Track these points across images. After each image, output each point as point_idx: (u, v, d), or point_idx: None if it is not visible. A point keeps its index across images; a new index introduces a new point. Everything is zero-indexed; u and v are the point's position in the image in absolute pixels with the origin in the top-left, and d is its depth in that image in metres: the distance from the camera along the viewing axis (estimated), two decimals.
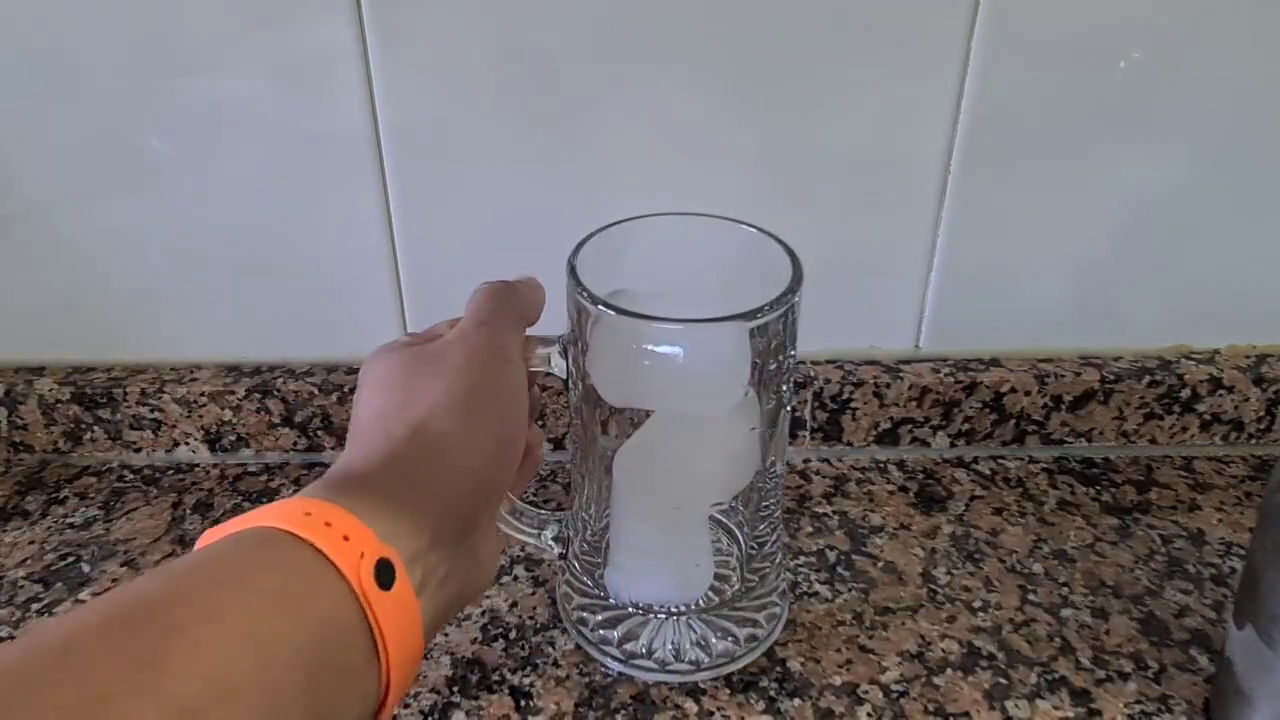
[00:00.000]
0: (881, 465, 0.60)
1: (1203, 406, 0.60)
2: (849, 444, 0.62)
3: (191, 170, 0.56)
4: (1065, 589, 0.50)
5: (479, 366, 0.36)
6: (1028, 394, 0.59)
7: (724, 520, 0.47)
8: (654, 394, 0.40)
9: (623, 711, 0.44)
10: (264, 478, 0.61)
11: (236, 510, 0.58)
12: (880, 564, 0.52)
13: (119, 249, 0.59)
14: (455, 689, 0.45)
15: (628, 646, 0.45)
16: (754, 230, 0.42)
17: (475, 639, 0.48)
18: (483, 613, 0.49)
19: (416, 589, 0.30)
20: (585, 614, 0.47)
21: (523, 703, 0.44)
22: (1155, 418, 0.60)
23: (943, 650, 0.47)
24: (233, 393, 0.60)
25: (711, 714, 0.44)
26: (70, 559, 0.54)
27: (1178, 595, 0.50)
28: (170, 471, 0.62)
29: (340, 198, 0.56)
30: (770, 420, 0.42)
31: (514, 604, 0.50)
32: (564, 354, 0.41)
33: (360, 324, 0.61)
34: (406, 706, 0.44)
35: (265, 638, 0.25)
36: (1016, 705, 0.44)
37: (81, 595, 0.51)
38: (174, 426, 0.62)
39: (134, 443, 0.62)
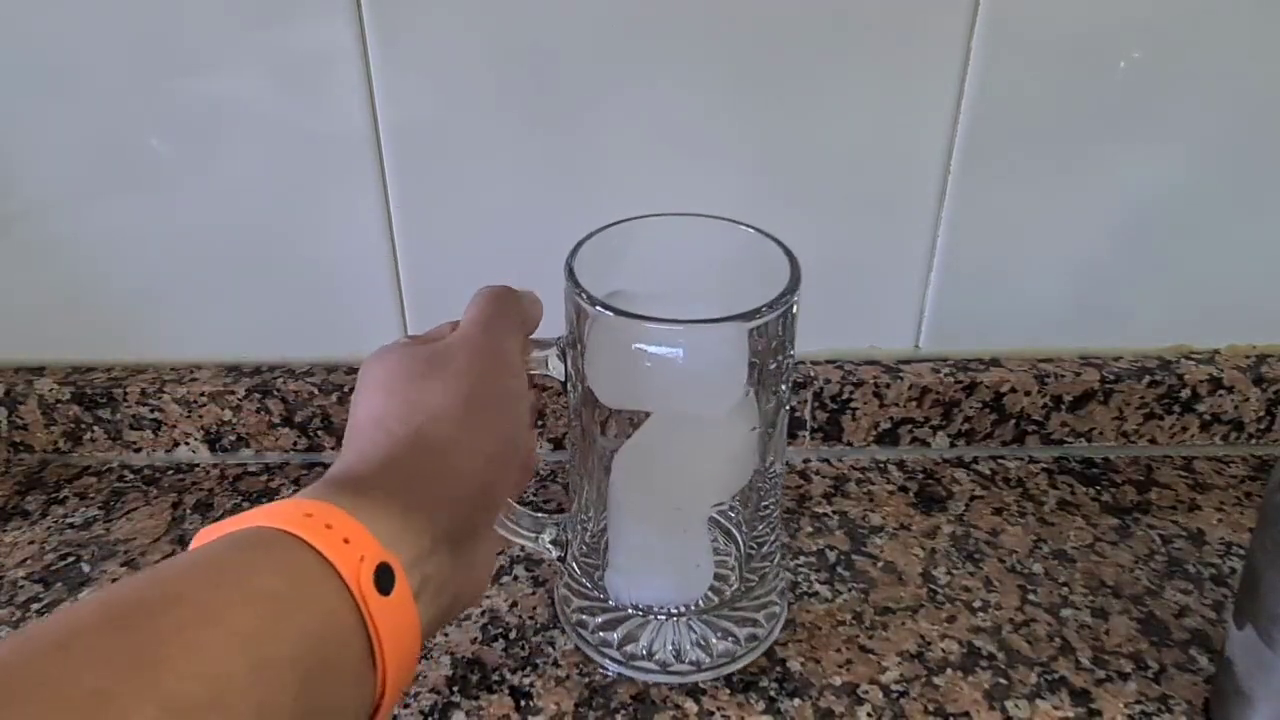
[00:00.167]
0: (881, 465, 0.60)
1: (1203, 406, 0.60)
2: (849, 444, 0.62)
3: (191, 170, 0.56)
4: (1065, 589, 0.50)
5: (481, 370, 0.36)
6: (1028, 394, 0.59)
7: (722, 520, 0.47)
8: (653, 395, 0.40)
9: (623, 711, 0.44)
10: (264, 478, 0.61)
11: (236, 510, 0.57)
12: (880, 564, 0.52)
13: (119, 249, 0.59)
14: (455, 689, 0.45)
15: (628, 648, 0.45)
16: (752, 231, 0.42)
17: (475, 639, 0.48)
18: (483, 613, 0.49)
19: (415, 594, 0.30)
20: (585, 616, 0.47)
21: (523, 703, 0.44)
22: (1155, 418, 0.60)
23: (943, 650, 0.47)
24: (233, 393, 0.60)
25: (711, 714, 0.44)
26: (70, 559, 0.54)
27: (1178, 595, 0.50)
28: (170, 471, 0.62)
29: (340, 198, 0.56)
30: (769, 420, 0.42)
31: (514, 604, 0.50)
32: (562, 356, 0.41)
33: (360, 324, 0.61)
34: (406, 706, 0.44)
35: (262, 640, 0.25)
36: (1016, 705, 0.44)
37: (81, 595, 0.51)
38: (174, 426, 0.62)
39: (134, 443, 0.62)
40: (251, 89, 0.54)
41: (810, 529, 0.55)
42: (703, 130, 0.55)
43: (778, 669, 0.46)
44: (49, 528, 0.57)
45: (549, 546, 0.46)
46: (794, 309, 0.39)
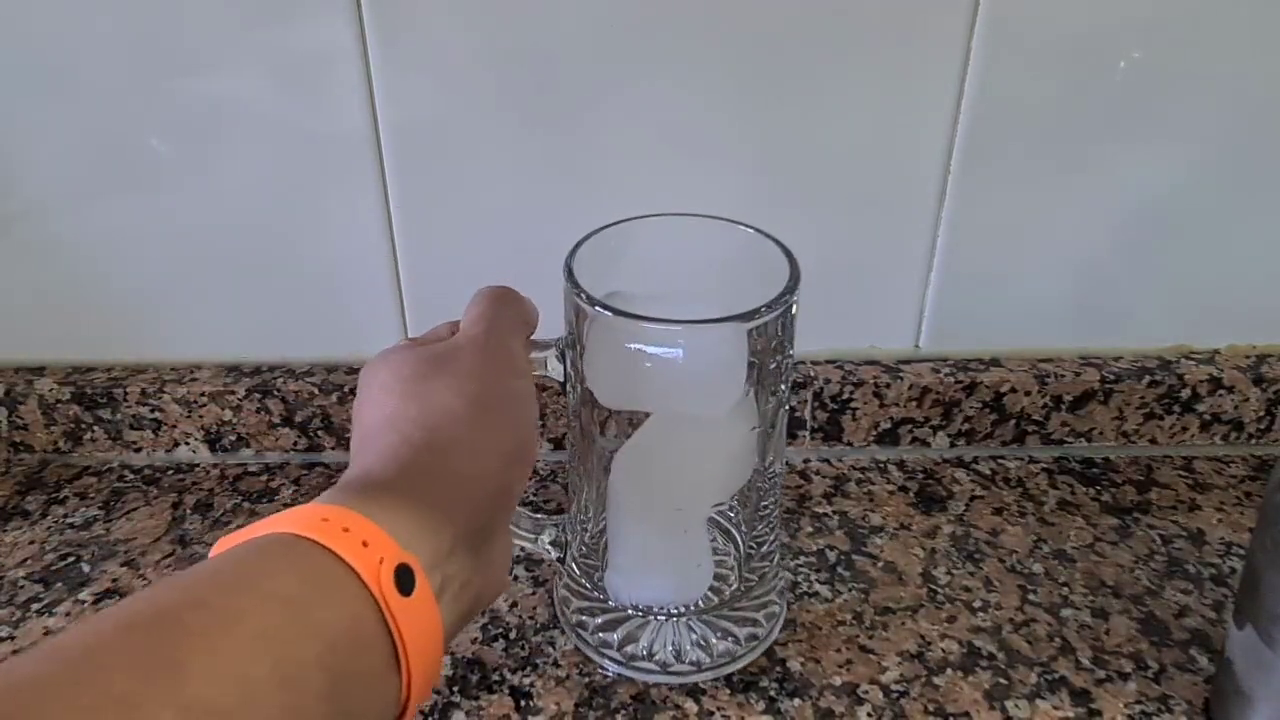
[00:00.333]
0: (881, 465, 0.60)
1: (1203, 406, 0.60)
2: (849, 444, 0.62)
3: (191, 170, 0.56)
4: (1065, 589, 0.50)
5: (489, 371, 0.36)
6: (1028, 394, 0.59)
7: (722, 520, 0.47)
8: (652, 395, 0.40)
9: (623, 711, 0.44)
10: (264, 478, 0.61)
11: (236, 510, 0.58)
12: (880, 564, 0.52)
13: (119, 249, 0.59)
14: (455, 689, 0.45)
15: (628, 649, 0.45)
16: (751, 231, 0.42)
17: (475, 639, 0.48)
18: (483, 613, 0.49)
19: (436, 594, 0.30)
20: (584, 617, 0.47)
21: (523, 703, 0.44)
22: (1155, 418, 0.60)
23: (943, 650, 0.47)
24: (233, 393, 0.60)
25: (711, 714, 0.44)
26: (70, 559, 0.54)
27: (1178, 595, 0.50)
28: (170, 471, 0.62)
29: (340, 198, 0.56)
30: (769, 420, 0.42)
31: (514, 604, 0.50)
32: (561, 357, 0.41)
33: (360, 324, 0.61)
34: None
35: (284, 643, 0.25)
36: (1016, 705, 0.44)
37: (81, 595, 0.51)
38: (174, 426, 0.62)
39: (134, 443, 0.62)
40: (251, 89, 0.54)
41: (810, 529, 0.55)
42: (703, 130, 0.55)
43: (778, 669, 0.46)
44: (49, 528, 0.57)
45: (548, 547, 0.46)
46: (793, 309, 0.39)
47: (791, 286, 0.39)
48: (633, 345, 0.38)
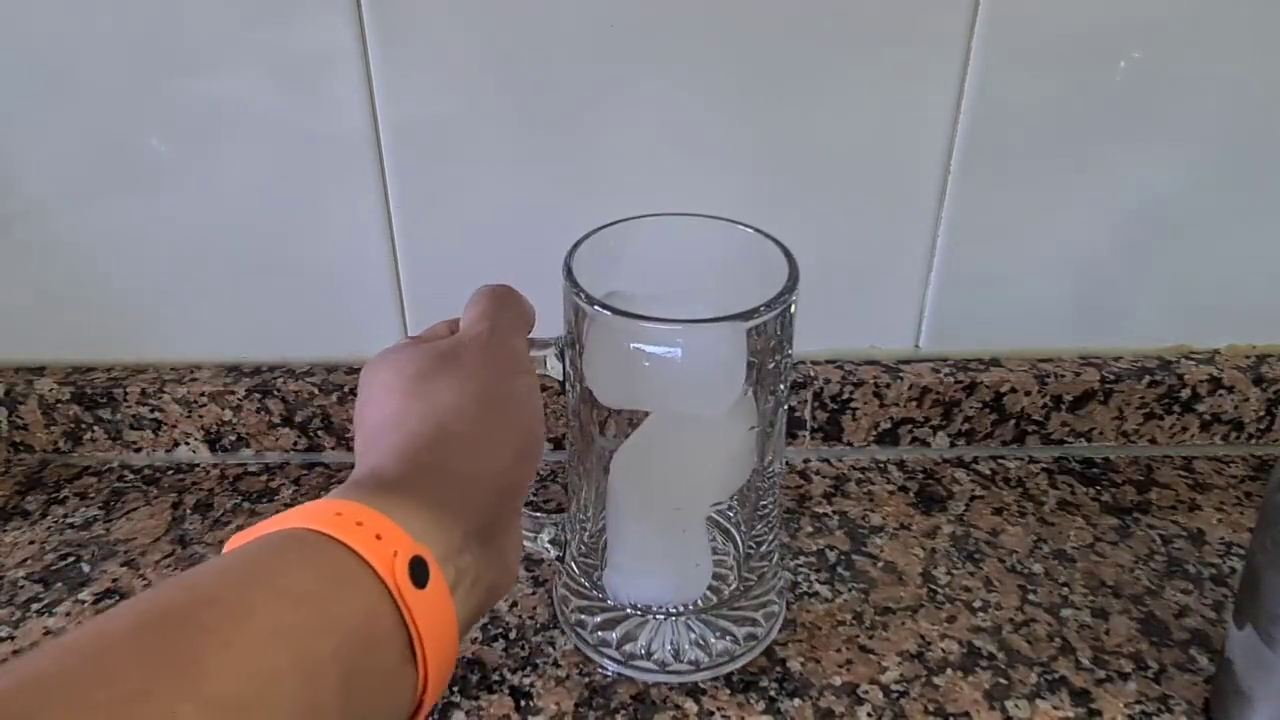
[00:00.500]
0: (881, 465, 0.60)
1: (1203, 406, 0.60)
2: (849, 444, 0.62)
3: (191, 170, 0.56)
4: (1065, 589, 0.50)
5: (493, 367, 0.36)
6: (1028, 394, 0.59)
7: (721, 520, 0.47)
8: (651, 395, 0.40)
9: (623, 711, 0.44)
10: (264, 478, 0.61)
11: (236, 510, 0.58)
12: (880, 564, 0.52)
13: (119, 249, 0.59)
14: (455, 689, 0.45)
15: (627, 648, 0.45)
16: (750, 230, 0.42)
17: (475, 639, 0.48)
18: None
19: (450, 588, 0.30)
20: (583, 616, 0.47)
21: (523, 703, 0.44)
22: (1155, 418, 0.60)
23: (943, 650, 0.47)
24: (233, 393, 0.60)
25: (711, 714, 0.44)
26: (70, 559, 0.54)
27: (1178, 595, 0.50)
28: (170, 471, 0.62)
29: (340, 198, 0.57)
30: (768, 419, 0.42)
31: (514, 604, 0.50)
32: (560, 356, 0.41)
33: (360, 324, 0.61)
34: None
35: (299, 636, 0.25)
36: (1016, 705, 0.44)
37: (81, 595, 0.51)
38: (174, 426, 0.62)
39: (134, 443, 0.62)
40: (251, 89, 0.54)
41: (810, 529, 0.55)
42: (703, 130, 0.55)
43: (778, 669, 0.46)
44: (49, 528, 0.57)
45: (548, 546, 0.46)
46: (792, 308, 0.39)
47: (790, 286, 0.39)
48: (632, 345, 0.38)
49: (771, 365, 0.40)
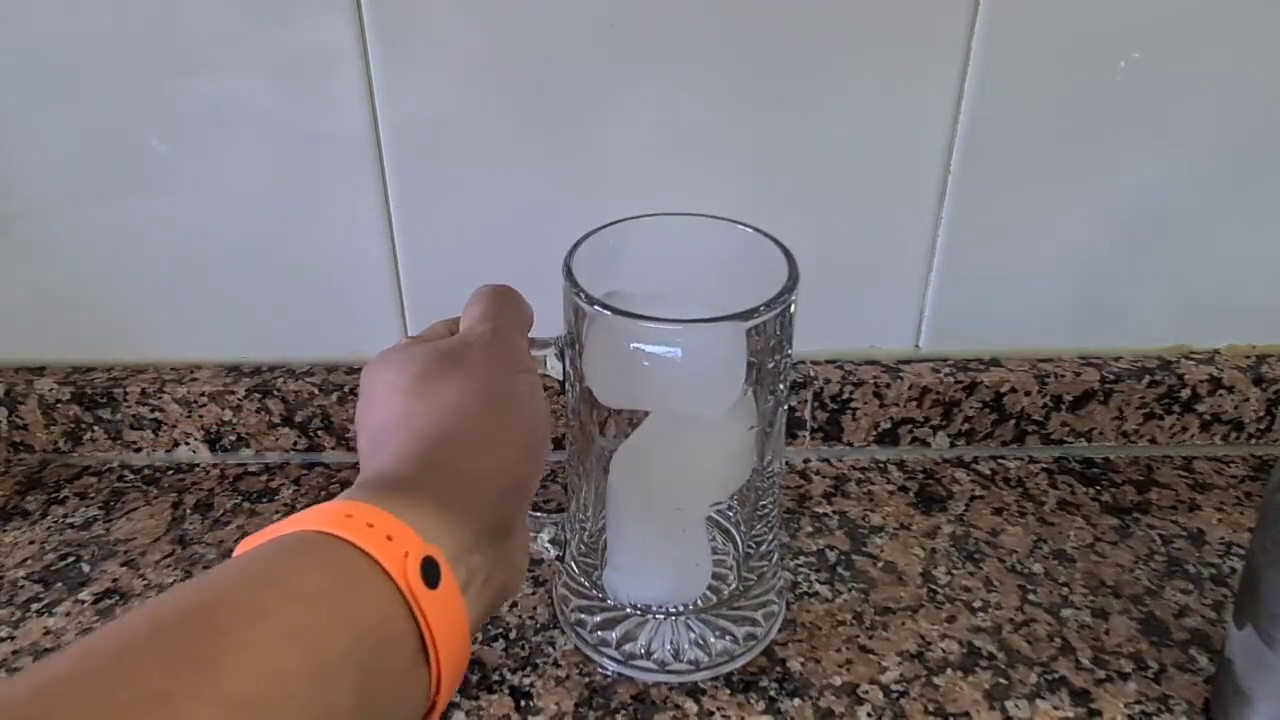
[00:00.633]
0: (881, 465, 0.60)
1: (1203, 406, 0.60)
2: (849, 444, 0.62)
3: (191, 170, 0.56)
4: (1065, 589, 0.50)
5: (496, 366, 0.36)
6: (1028, 394, 0.59)
7: (721, 519, 0.47)
8: (651, 394, 0.40)
9: (623, 711, 0.44)
10: (264, 478, 0.61)
11: (236, 510, 0.58)
12: (880, 564, 0.52)
13: (119, 249, 0.59)
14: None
15: (626, 647, 0.45)
16: (750, 230, 0.42)
17: (475, 639, 0.48)
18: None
19: (461, 588, 0.30)
20: (583, 615, 0.47)
21: (523, 703, 0.44)
22: (1155, 418, 0.60)
23: (943, 650, 0.47)
24: (233, 393, 0.60)
25: (711, 714, 0.44)
26: (70, 559, 0.54)
27: (1178, 595, 0.50)
28: (170, 471, 0.62)
29: (340, 198, 0.57)
30: (767, 419, 0.42)
31: (514, 604, 0.50)
32: (560, 356, 0.41)
33: (360, 324, 0.61)
34: None
35: (313, 637, 0.25)
36: (1016, 705, 0.44)
37: (81, 595, 0.52)
38: (174, 426, 0.62)
39: (134, 443, 0.62)
40: (251, 89, 0.54)
41: (810, 529, 0.55)
42: (703, 130, 0.55)
43: (778, 669, 0.46)
44: (49, 528, 0.57)
45: (547, 546, 0.46)
46: (791, 308, 0.39)
47: (790, 286, 0.39)
48: (632, 344, 0.38)
49: (771, 365, 0.40)
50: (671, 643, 0.45)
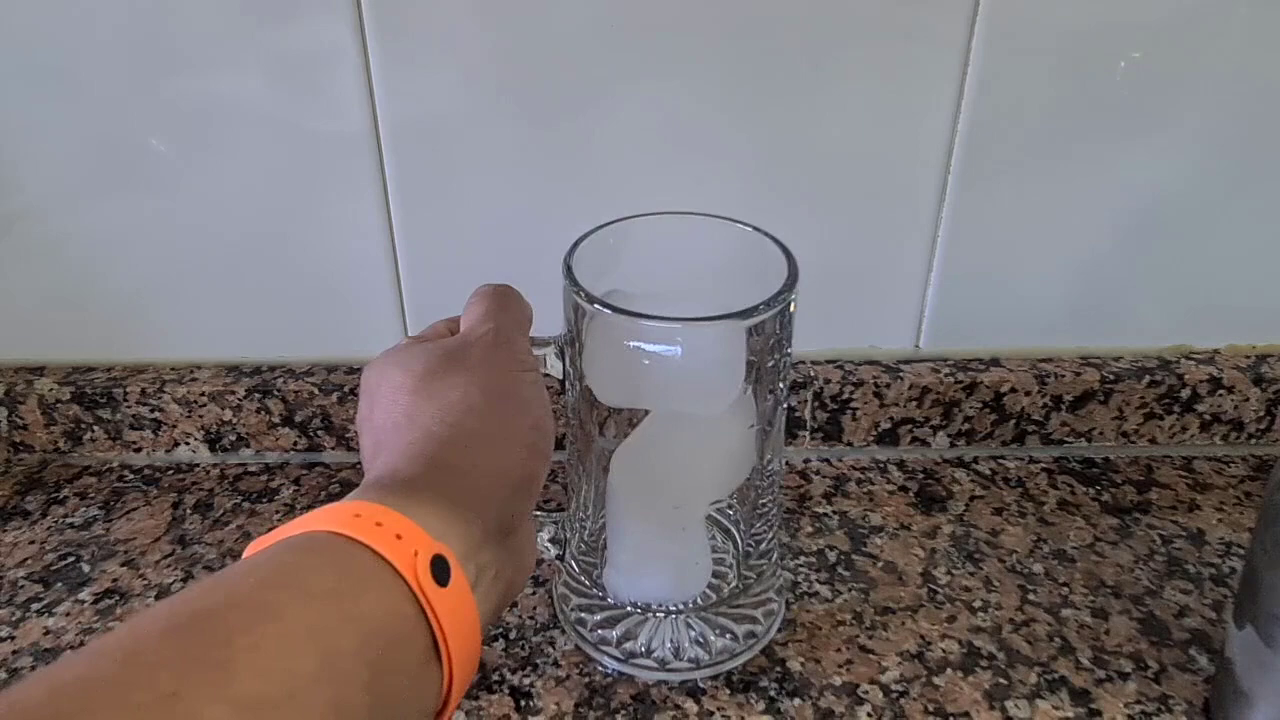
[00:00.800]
0: (881, 465, 0.60)
1: (1203, 406, 0.60)
2: (849, 444, 0.62)
3: (191, 170, 0.56)
4: (1065, 589, 0.50)
5: (499, 365, 0.36)
6: (1028, 394, 0.59)
7: (721, 518, 0.47)
8: (651, 393, 0.40)
9: (623, 711, 0.44)
10: (264, 478, 0.61)
11: (236, 510, 0.58)
12: (880, 564, 0.52)
13: (119, 249, 0.59)
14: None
15: (627, 646, 0.45)
16: (749, 229, 0.42)
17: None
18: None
19: (471, 585, 0.30)
20: (583, 614, 0.47)
21: (523, 703, 0.44)
22: (1155, 418, 0.60)
23: (943, 650, 0.47)
24: (233, 393, 0.60)
25: (711, 714, 0.44)
26: (70, 559, 0.54)
27: (1178, 595, 0.50)
28: (170, 471, 0.62)
29: (340, 197, 0.57)
30: (767, 418, 0.42)
31: (514, 604, 0.50)
32: (560, 355, 0.42)
33: (360, 324, 0.61)
34: None
35: (325, 636, 0.25)
36: (1016, 705, 0.44)
37: (81, 595, 0.51)
38: (174, 426, 0.62)
39: (134, 443, 0.62)
40: (251, 89, 0.54)
41: (810, 529, 0.55)
42: (703, 130, 0.55)
43: (778, 669, 0.46)
44: (49, 528, 0.57)
45: (547, 545, 0.46)
46: (791, 307, 0.39)
47: (789, 284, 0.39)
48: (631, 343, 0.38)
49: (771, 364, 0.40)
50: (672, 641, 0.45)
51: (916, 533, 0.55)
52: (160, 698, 0.22)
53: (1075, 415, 0.60)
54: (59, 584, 0.52)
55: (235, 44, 0.52)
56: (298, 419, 0.61)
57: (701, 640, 0.45)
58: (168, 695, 0.22)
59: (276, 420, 0.61)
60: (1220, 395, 0.60)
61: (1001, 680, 0.45)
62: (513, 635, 0.48)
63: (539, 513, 0.46)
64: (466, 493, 0.32)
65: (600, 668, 0.46)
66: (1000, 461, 0.61)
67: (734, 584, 0.46)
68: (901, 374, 0.59)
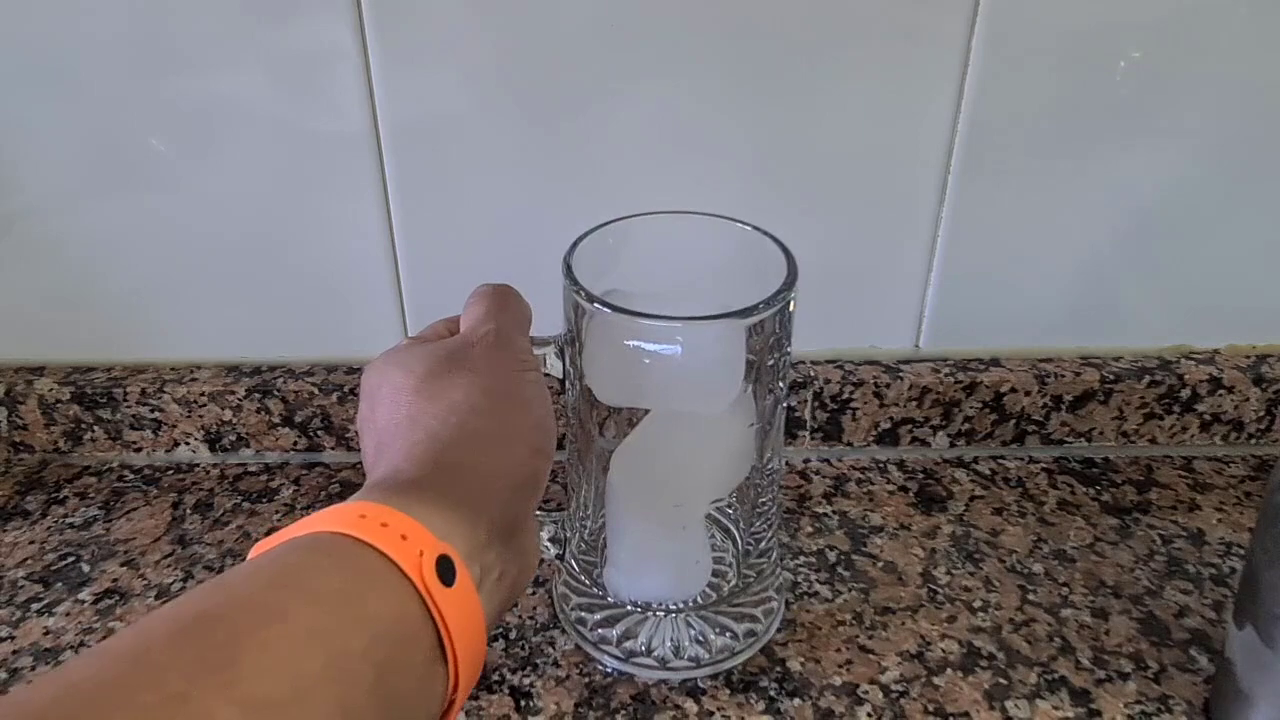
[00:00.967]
0: (881, 465, 0.60)
1: (1203, 406, 0.60)
2: (849, 444, 0.62)
3: (191, 170, 0.56)
4: (1065, 589, 0.50)
5: (503, 366, 0.36)
6: (1028, 394, 0.59)
7: (720, 517, 0.47)
8: (651, 392, 0.40)
9: (623, 711, 0.44)
10: (264, 478, 0.61)
11: (236, 510, 0.58)
12: (880, 564, 0.52)
13: (119, 249, 0.59)
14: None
15: (627, 645, 0.45)
16: (749, 228, 0.42)
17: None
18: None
19: (476, 585, 0.30)
20: (584, 613, 0.47)
21: (523, 703, 0.44)
22: (1155, 418, 0.60)
23: (943, 650, 0.47)
24: (233, 393, 0.60)
25: (711, 714, 0.44)
26: (70, 559, 0.54)
27: (1178, 595, 0.50)
28: (170, 471, 0.62)
29: (340, 198, 0.57)
30: (766, 417, 0.42)
31: (514, 604, 0.50)
32: (560, 354, 0.42)
33: (360, 324, 0.61)
34: None
35: (331, 637, 0.25)
36: (1016, 705, 0.44)
37: (81, 595, 0.51)
38: (174, 426, 0.62)
39: (134, 443, 0.62)
40: (251, 89, 0.54)
41: (810, 529, 0.55)
42: (703, 129, 0.55)
43: (778, 669, 0.46)
44: (49, 528, 0.57)
45: (547, 544, 0.46)
46: (790, 306, 0.39)
47: (789, 283, 0.39)
48: (631, 342, 0.38)
49: (770, 363, 0.40)
50: (672, 640, 0.45)
51: (916, 533, 0.54)
52: (169, 698, 0.22)
53: (1075, 415, 0.60)
54: (59, 584, 0.52)
55: (235, 44, 0.52)
56: (298, 419, 0.61)
57: (701, 639, 0.45)
58: (176, 696, 0.22)
59: (276, 420, 0.61)
60: (1220, 395, 0.60)
61: (1001, 680, 0.45)
62: (513, 635, 0.48)
63: (539, 512, 0.46)
64: (470, 493, 0.32)
65: (600, 667, 0.46)
66: (1000, 461, 0.61)
67: (734, 582, 0.46)
68: (901, 374, 0.59)
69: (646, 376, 0.39)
